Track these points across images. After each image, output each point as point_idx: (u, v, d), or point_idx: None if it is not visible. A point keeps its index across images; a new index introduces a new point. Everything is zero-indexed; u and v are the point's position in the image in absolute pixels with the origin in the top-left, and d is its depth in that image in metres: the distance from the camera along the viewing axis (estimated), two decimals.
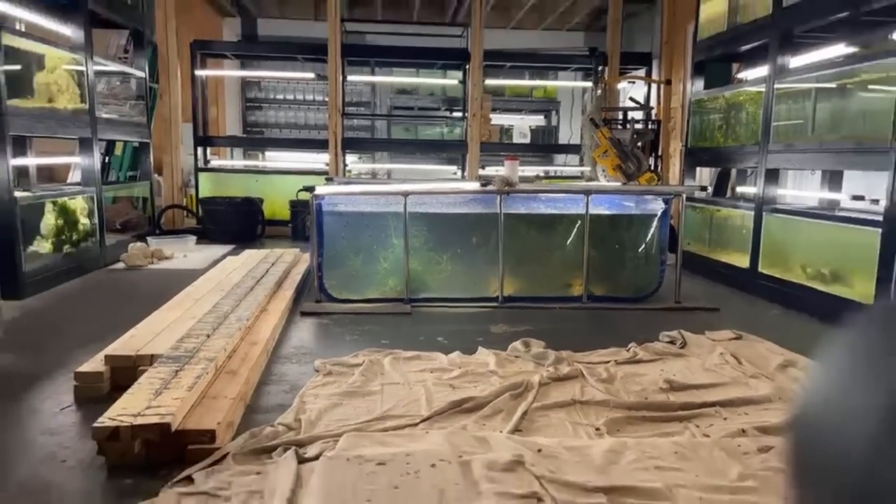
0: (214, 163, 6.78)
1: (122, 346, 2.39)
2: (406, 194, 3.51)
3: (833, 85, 3.59)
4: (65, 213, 4.08)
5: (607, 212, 3.78)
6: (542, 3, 7.32)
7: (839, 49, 3.88)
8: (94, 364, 2.24)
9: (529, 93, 8.39)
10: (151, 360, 2.24)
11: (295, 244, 6.04)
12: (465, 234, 3.67)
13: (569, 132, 8.53)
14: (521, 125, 7.07)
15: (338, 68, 6.27)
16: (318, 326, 3.16)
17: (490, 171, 6.75)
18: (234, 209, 5.92)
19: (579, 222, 3.64)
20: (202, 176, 6.38)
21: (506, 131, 8.17)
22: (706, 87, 4.94)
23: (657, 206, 3.75)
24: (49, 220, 3.96)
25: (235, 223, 5.90)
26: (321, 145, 6.51)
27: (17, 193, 3.52)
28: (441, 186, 4.00)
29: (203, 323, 2.65)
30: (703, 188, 4.05)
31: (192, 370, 2.07)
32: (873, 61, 3.26)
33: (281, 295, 3.46)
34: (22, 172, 4.58)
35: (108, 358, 2.24)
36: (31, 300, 3.51)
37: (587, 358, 2.65)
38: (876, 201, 3.58)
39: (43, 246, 3.88)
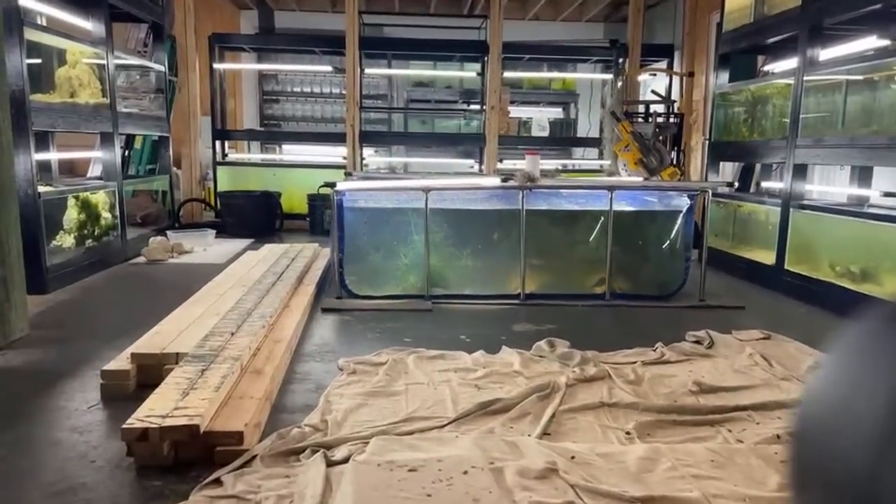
0: (232, 156, 6.79)
1: (148, 343, 2.39)
2: (427, 190, 3.48)
3: (864, 78, 3.50)
4: (87, 207, 4.09)
5: (631, 208, 3.72)
6: (559, 4, 7.23)
7: (871, 42, 3.78)
8: (121, 362, 2.24)
9: (548, 85, 8.31)
10: (177, 358, 2.24)
11: (313, 238, 6.04)
12: (486, 230, 3.64)
13: (587, 125, 8.44)
14: (540, 118, 7.00)
15: (355, 61, 6.24)
16: (339, 323, 3.15)
17: (508, 164, 6.71)
18: (252, 203, 5.92)
19: (602, 218, 3.59)
20: (220, 170, 6.38)
21: (524, 124, 8.11)
22: (731, 79, 4.84)
23: (682, 203, 3.69)
24: (72, 215, 3.97)
25: (254, 217, 5.90)
26: (339, 139, 6.48)
27: (41, 188, 3.53)
28: (461, 182, 3.96)
29: (227, 320, 2.65)
30: (730, 184, 3.97)
31: (218, 370, 2.06)
32: None
33: (302, 290, 3.45)
34: (44, 166, 4.61)
35: (133, 356, 2.24)
36: (55, 294, 3.53)
37: (613, 358, 2.61)
38: None
39: (66, 240, 3.90)
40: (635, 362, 2.56)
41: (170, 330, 2.54)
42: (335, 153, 6.81)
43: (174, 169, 6.03)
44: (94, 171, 5.27)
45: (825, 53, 3.95)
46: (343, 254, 3.54)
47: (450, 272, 3.62)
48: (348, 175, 5.12)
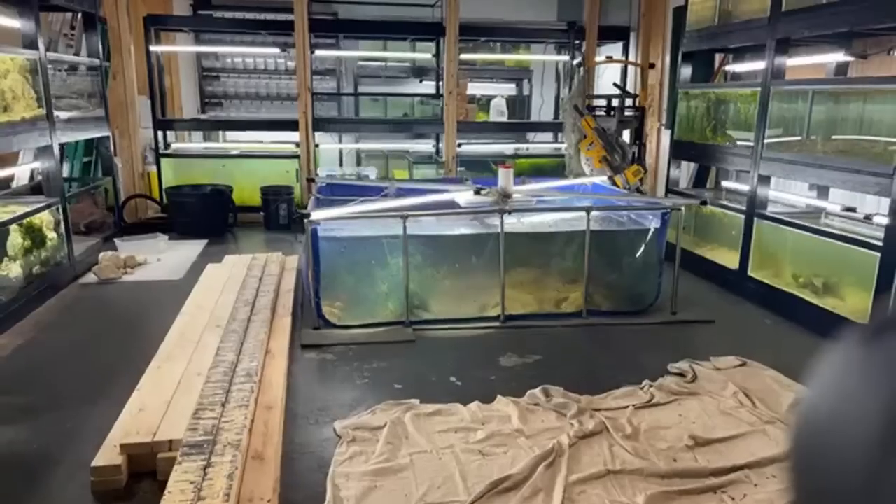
0: (176, 146, 6.40)
1: (135, 424, 2.26)
2: (405, 216, 3.38)
3: (831, 99, 3.59)
4: (31, 231, 3.79)
5: (606, 228, 3.74)
6: None
7: (837, 56, 3.85)
8: (110, 455, 2.11)
9: (502, 62, 8.15)
10: (170, 445, 2.14)
11: (269, 234, 5.86)
12: (464, 253, 3.59)
13: (540, 100, 8.38)
14: (499, 103, 6.87)
15: (306, 46, 5.92)
16: (322, 365, 3.07)
17: (466, 147, 6.61)
18: (203, 202, 5.64)
19: (578, 238, 3.60)
20: (164, 162, 6.01)
21: (478, 101, 7.96)
22: (693, 79, 4.87)
23: (655, 220, 3.73)
24: (15, 241, 3.67)
25: (205, 216, 5.62)
26: (291, 126, 6.19)
27: None
28: (437, 199, 3.86)
29: (212, 384, 2.53)
30: (704, 202, 4.04)
31: (221, 465, 1.97)
32: (874, 85, 3.25)
33: (279, 326, 3.33)
34: None
35: (123, 447, 2.12)
36: (8, 338, 3.28)
37: (605, 403, 2.66)
38: (869, 217, 3.65)
39: (12, 269, 3.61)
40: (627, 407, 2.63)
41: (154, 404, 2.40)
42: (286, 137, 6.52)
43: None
44: (20, 178, 4.84)
45: (792, 62, 4.01)
46: (319, 284, 3.42)
47: (429, 297, 3.58)
48: (311, 181, 4.92)
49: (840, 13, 3.37)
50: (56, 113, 4.12)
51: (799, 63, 4.16)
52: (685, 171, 5.28)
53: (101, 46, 5.17)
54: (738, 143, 4.22)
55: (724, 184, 4.82)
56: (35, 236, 3.82)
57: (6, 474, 2.16)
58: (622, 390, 2.79)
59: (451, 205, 3.93)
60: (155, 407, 2.38)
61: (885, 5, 3.07)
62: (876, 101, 3.36)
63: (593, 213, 3.57)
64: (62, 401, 2.65)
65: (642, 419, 2.54)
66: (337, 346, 3.26)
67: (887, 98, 3.29)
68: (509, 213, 3.53)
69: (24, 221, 3.70)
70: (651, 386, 2.82)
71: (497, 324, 3.57)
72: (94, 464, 2.07)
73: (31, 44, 3.89)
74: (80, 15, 5.05)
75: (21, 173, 4.80)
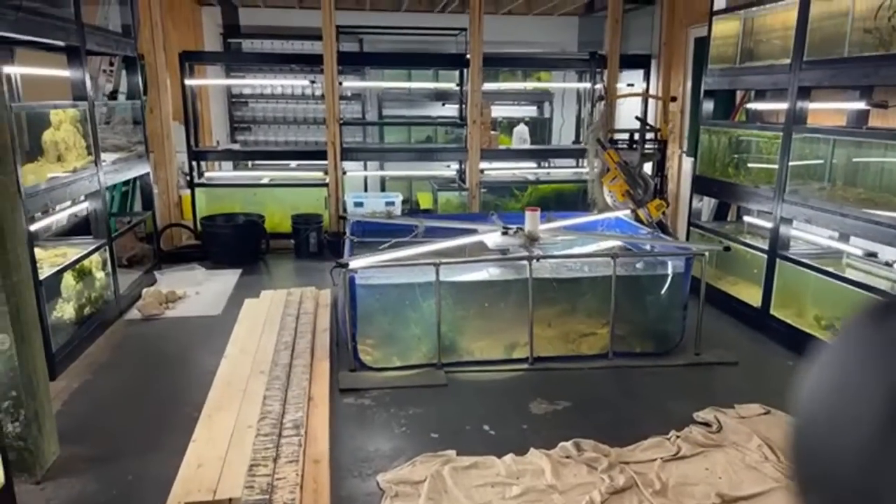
0: (210, 174, 6.61)
1: (195, 480, 2.42)
2: (438, 264, 3.52)
3: (852, 146, 3.68)
4: (83, 273, 3.99)
5: (631, 272, 3.86)
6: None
7: (858, 104, 3.93)
8: None
9: (524, 88, 8.28)
10: (231, 503, 2.30)
11: (299, 261, 6.04)
12: (493, 297, 3.73)
13: (562, 121, 8.50)
14: (521, 130, 7.00)
15: (334, 79, 6.10)
16: (361, 412, 3.23)
17: (489, 173, 6.75)
18: (237, 233, 5.84)
19: (604, 282, 3.72)
20: (198, 191, 6.22)
21: (499, 124, 8.09)
22: (715, 115, 4.97)
23: (679, 264, 3.84)
24: (68, 283, 3.88)
25: (239, 245, 5.82)
26: (319, 156, 6.37)
27: (42, 274, 3.43)
28: (465, 241, 4.01)
29: (262, 437, 2.70)
30: (727, 248, 4.14)
31: None
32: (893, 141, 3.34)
33: (319, 369, 3.49)
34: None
35: None
36: (64, 380, 3.48)
37: (634, 456, 2.79)
38: (889, 264, 3.73)
39: (65, 311, 3.81)
40: (655, 460, 2.75)
41: (210, 457, 2.57)
42: (317, 165, 6.70)
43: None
44: (59, 220, 5.01)
45: (813, 105, 4.10)
46: (356, 328, 3.59)
47: (460, 339, 3.72)
48: (342, 218, 5.09)
49: (862, 66, 3.46)
50: (102, 157, 4.32)
51: (819, 107, 4.24)
52: (707, 203, 5.37)
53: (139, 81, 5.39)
54: (762, 184, 4.31)
55: (746, 219, 4.91)
56: (86, 277, 4.03)
57: None
58: (650, 441, 2.91)
59: (480, 247, 4.08)
60: (211, 461, 2.55)
61: None
62: None
63: (619, 259, 3.70)
64: (121, 450, 2.84)
65: (670, 473, 2.67)
66: (374, 391, 3.42)
67: None
68: (537, 259, 3.66)
69: (77, 266, 3.90)
70: (678, 437, 2.94)
71: (526, 366, 3.71)
72: None
73: (80, 94, 4.09)
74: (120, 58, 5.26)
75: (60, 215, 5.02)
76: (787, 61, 3.97)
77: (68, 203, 4.21)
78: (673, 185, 6.39)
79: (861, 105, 3.80)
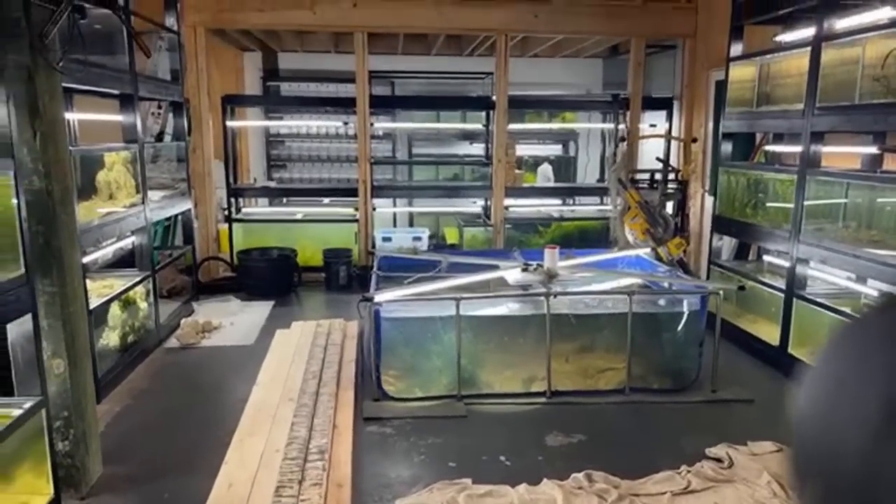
0: (247, 210, 6.94)
1: (227, 499, 2.60)
2: (458, 299, 3.69)
3: (866, 189, 3.77)
4: (127, 303, 4.26)
5: (647, 309, 3.97)
6: (559, 43, 7.39)
7: (870, 148, 4.03)
8: None
9: (548, 129, 8.52)
10: None
11: (329, 294, 6.27)
12: (512, 332, 3.87)
13: (586, 159, 8.68)
14: (546, 169, 7.21)
15: (366, 121, 6.40)
16: (383, 440, 3.38)
17: (514, 210, 6.93)
18: (271, 266, 6.11)
19: (621, 318, 3.83)
20: (235, 226, 6.53)
21: (525, 162, 8.31)
22: (733, 156, 5.09)
23: (695, 301, 3.94)
24: (115, 312, 4.14)
25: (272, 278, 6.09)
26: (351, 193, 6.65)
27: (91, 304, 3.69)
28: (486, 277, 4.18)
29: (289, 460, 2.88)
30: (742, 287, 4.23)
31: None
32: None
33: (344, 398, 3.66)
34: None
35: None
36: (108, 405, 3.71)
37: (645, 489, 2.88)
38: None
39: (111, 339, 4.07)
40: (665, 493, 2.83)
41: (241, 479, 2.75)
42: (348, 202, 6.97)
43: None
44: (106, 253, 5.34)
45: (827, 149, 4.20)
46: (380, 359, 3.76)
47: (479, 372, 3.86)
48: (371, 253, 5.31)
49: (872, 113, 3.57)
50: (149, 194, 4.64)
51: (834, 150, 4.33)
52: (728, 242, 5.45)
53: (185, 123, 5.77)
54: (779, 226, 4.40)
55: (766, 258, 4.98)
56: (130, 307, 4.30)
57: None
58: (661, 475, 2.99)
59: (501, 282, 4.25)
60: (242, 482, 2.73)
61: None
62: None
63: (636, 296, 3.82)
64: (159, 470, 3.03)
65: None
66: (395, 420, 3.57)
67: None
68: (554, 296, 3.81)
69: (123, 296, 4.18)
70: (689, 471, 3.02)
71: (543, 399, 3.82)
72: None
73: (131, 137, 4.42)
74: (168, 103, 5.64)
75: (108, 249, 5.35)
76: (801, 106, 4.10)
77: (114, 238, 4.51)
78: (696, 223, 6.48)
79: (873, 150, 3.89)
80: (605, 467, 3.02)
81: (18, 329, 2.41)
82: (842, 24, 3.97)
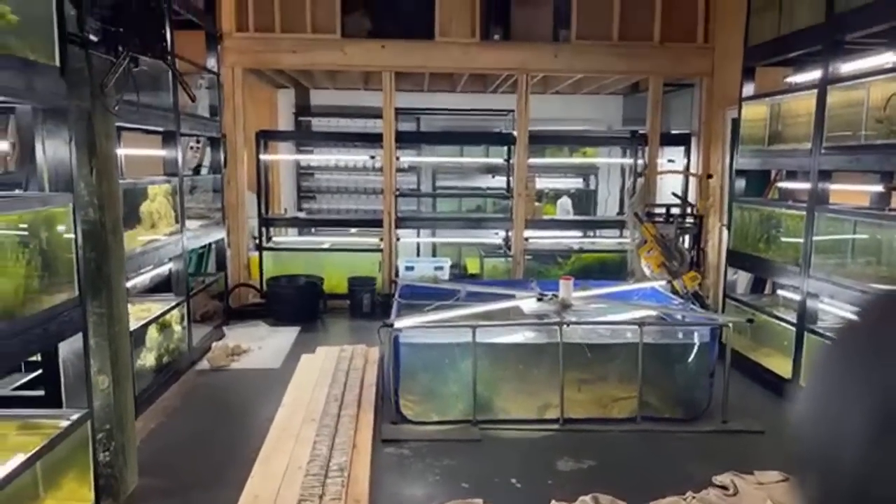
0: (277, 239, 7.24)
1: None
2: (475, 327, 3.87)
3: (874, 226, 3.88)
4: (163, 326, 4.53)
5: (659, 340, 4.09)
6: (580, 81, 7.63)
7: (877, 187, 4.14)
8: None
9: (568, 163, 8.74)
10: None
11: (353, 322, 6.48)
12: (526, 360, 4.02)
13: (607, 193, 8.84)
14: (565, 202, 7.41)
15: (392, 155, 6.69)
16: (400, 461, 3.54)
17: (534, 241, 7.10)
18: (298, 293, 6.37)
19: (632, 349, 3.96)
20: (266, 254, 6.82)
21: (546, 194, 8.50)
22: (747, 192, 5.22)
23: (705, 333, 4.06)
24: (152, 335, 4.40)
25: (299, 305, 6.34)
26: (376, 224, 6.91)
27: (131, 326, 3.96)
28: (503, 306, 4.35)
29: (310, 476, 3.06)
30: (750, 320, 4.34)
31: None
32: None
33: (364, 420, 3.84)
34: None
35: None
36: (142, 422, 3.94)
37: None
38: None
39: (147, 359, 4.33)
40: None
41: (265, 493, 2.94)
42: (372, 232, 7.22)
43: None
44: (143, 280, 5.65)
45: (835, 186, 4.32)
46: (399, 383, 3.94)
47: (494, 398, 4.01)
48: (394, 283, 5.53)
49: (875, 153, 3.71)
50: (186, 224, 4.94)
51: (844, 188, 4.45)
52: (743, 276, 5.54)
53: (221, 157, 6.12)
54: (789, 260, 4.51)
55: (780, 292, 5.06)
56: (166, 330, 4.56)
57: None
58: (666, 500, 3.09)
59: (517, 311, 4.41)
60: (266, 496, 2.91)
61: None
62: None
63: (646, 326, 3.95)
64: (189, 484, 3.23)
65: None
66: (413, 442, 3.72)
67: None
68: (567, 325, 3.96)
69: (161, 320, 4.44)
70: (694, 497, 3.11)
71: (556, 426, 3.94)
72: None
73: (172, 170, 4.74)
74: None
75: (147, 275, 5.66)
76: (809, 146, 4.24)
77: (154, 264, 4.81)
78: (714, 257, 6.58)
79: (877, 188, 4.00)
80: (613, 492, 3.13)
81: (70, 346, 2.66)
82: (847, 67, 4.12)
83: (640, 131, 6.97)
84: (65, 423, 2.65)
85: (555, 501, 3.06)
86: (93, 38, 2.56)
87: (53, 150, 2.56)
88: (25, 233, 2.37)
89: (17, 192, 2.99)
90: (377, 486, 3.23)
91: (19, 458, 2.39)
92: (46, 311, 2.43)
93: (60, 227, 2.58)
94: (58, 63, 2.51)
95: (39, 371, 3.42)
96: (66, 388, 2.74)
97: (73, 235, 2.63)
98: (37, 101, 2.45)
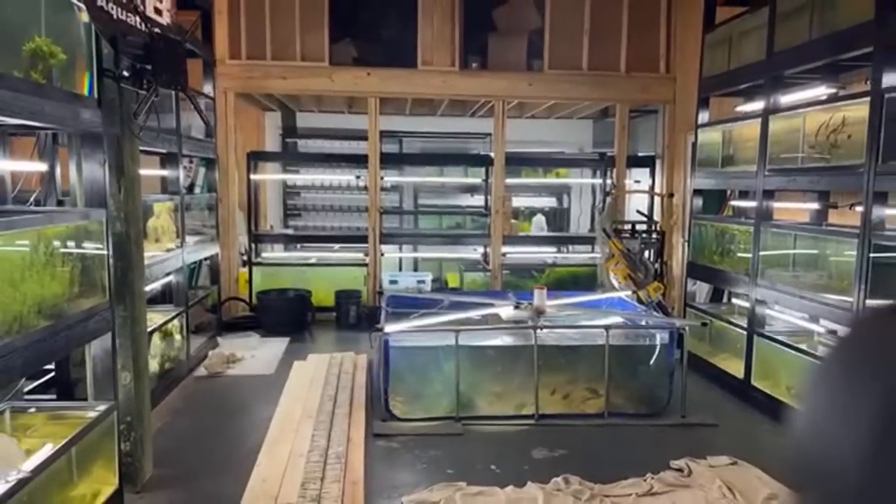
0: (266, 255, 7.57)
1: (261, 490, 3.12)
2: (458, 331, 4.26)
3: (811, 239, 4.38)
4: (166, 334, 4.83)
5: (622, 342, 4.52)
6: (553, 106, 8.14)
7: (814, 205, 4.65)
8: None
9: (542, 184, 9.23)
10: None
11: (340, 333, 6.81)
12: (504, 361, 4.41)
13: (579, 211, 9.34)
14: (539, 220, 7.89)
15: (377, 175, 7.09)
16: (391, 452, 3.89)
17: (511, 257, 7.53)
18: (288, 305, 6.69)
19: (599, 350, 4.38)
20: (255, 269, 7.15)
21: (521, 212, 8.97)
22: (704, 210, 5.73)
23: (665, 336, 4.50)
24: (156, 342, 4.70)
25: (288, 316, 6.66)
26: (361, 240, 7.29)
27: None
28: (483, 313, 4.75)
29: (312, 463, 3.40)
30: (704, 324, 4.80)
31: None
32: (833, 236, 4.04)
33: (356, 417, 4.19)
34: None
35: None
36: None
37: (614, 491, 3.38)
38: None
39: (151, 365, 4.61)
40: (631, 495, 3.33)
41: (272, 477, 3.27)
42: (357, 248, 7.59)
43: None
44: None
45: (779, 204, 4.83)
46: (388, 383, 4.30)
47: (475, 397, 4.38)
48: (380, 294, 5.90)
49: (808, 174, 4.21)
50: (190, 242, 5.27)
51: (788, 206, 4.96)
52: (702, 287, 6.02)
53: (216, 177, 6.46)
54: (738, 269, 5.00)
55: (735, 301, 5.54)
56: (167, 338, 4.87)
57: None
58: (629, 481, 3.49)
59: (495, 318, 4.82)
60: (273, 478, 3.25)
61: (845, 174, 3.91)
62: (842, 245, 4.12)
63: (612, 329, 4.38)
64: (199, 472, 3.55)
65: None
66: (401, 436, 4.08)
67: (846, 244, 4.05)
68: (541, 328, 4.37)
69: (163, 329, 4.75)
70: (653, 478, 3.52)
71: (532, 421, 4.33)
72: None
73: (174, 189, 5.08)
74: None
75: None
76: (755, 168, 4.75)
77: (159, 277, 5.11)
78: (677, 269, 7.07)
79: (815, 205, 4.51)
80: (582, 476, 3.52)
81: (100, 344, 2.98)
82: (786, 98, 4.65)
83: (609, 153, 7.49)
84: (93, 414, 2.97)
85: (530, 483, 3.44)
86: (125, 73, 2.93)
87: (90, 170, 2.92)
88: (70, 242, 2.71)
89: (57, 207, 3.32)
90: (371, 473, 3.58)
91: (51, 446, 2.70)
92: (85, 312, 2.76)
93: (95, 239, 2.92)
94: (95, 95, 2.88)
95: (46, 377, 3.70)
96: (94, 382, 3.06)
97: (104, 246, 2.97)
98: (79, 128, 2.80)
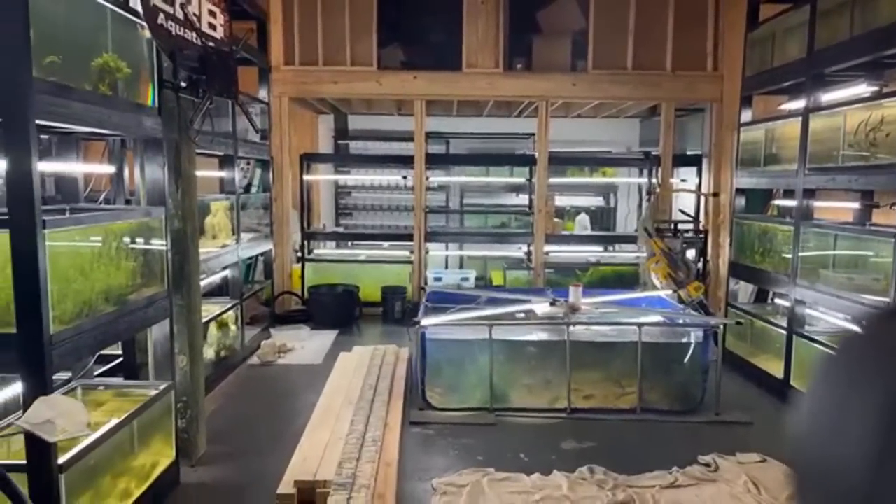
0: (317, 251, 7.92)
1: (302, 468, 3.36)
2: (491, 325, 4.42)
3: (852, 240, 4.33)
4: (222, 325, 5.19)
5: (657, 340, 4.58)
6: (599, 105, 8.17)
7: (854, 204, 4.58)
8: (288, 487, 3.22)
9: (586, 183, 9.26)
10: (325, 483, 3.21)
11: (386, 327, 7.07)
12: (538, 355, 4.54)
13: (626, 210, 9.32)
14: (583, 219, 7.93)
15: (422, 174, 7.31)
16: (425, 438, 4.09)
17: (554, 255, 7.62)
18: (337, 300, 7.01)
19: (632, 347, 4.45)
20: (308, 265, 7.50)
21: (566, 211, 9.03)
22: (747, 209, 5.68)
23: (700, 334, 4.53)
24: (212, 332, 5.07)
25: (337, 310, 6.97)
26: (407, 238, 7.53)
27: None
28: (518, 309, 4.90)
29: (349, 445, 3.62)
30: (739, 322, 4.79)
31: (357, 499, 3.02)
32: (874, 236, 3.99)
33: (394, 405, 4.41)
34: None
35: (296, 482, 3.22)
36: (206, 402, 4.57)
37: (638, 482, 3.47)
38: None
39: (208, 353, 4.98)
40: (654, 486, 3.42)
41: (312, 456, 3.52)
42: (404, 246, 7.85)
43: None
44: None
45: (819, 203, 4.77)
46: (425, 374, 4.50)
47: (509, 389, 4.53)
48: (422, 289, 6.11)
49: (848, 173, 4.17)
50: (241, 235, 5.62)
51: (832, 206, 4.89)
52: (745, 286, 5.97)
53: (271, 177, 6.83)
54: (778, 269, 4.96)
55: (777, 301, 5.49)
56: (223, 328, 5.22)
57: (224, 497, 3.32)
58: (654, 473, 3.57)
59: (529, 314, 4.95)
60: (313, 458, 3.49)
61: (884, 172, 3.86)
62: (881, 245, 4.06)
63: (645, 327, 4.45)
64: (248, 451, 3.84)
65: (664, 497, 3.33)
66: (436, 424, 4.28)
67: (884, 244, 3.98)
68: (574, 325, 4.48)
69: (220, 319, 5.11)
70: (679, 471, 3.59)
71: (564, 415, 4.44)
72: (278, 491, 3.18)
73: (230, 189, 5.44)
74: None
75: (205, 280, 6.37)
76: (796, 167, 4.71)
77: (216, 271, 5.49)
78: (724, 270, 7.00)
79: (856, 205, 4.44)
80: (608, 467, 3.62)
81: (160, 329, 3.30)
82: (827, 97, 4.59)
83: (654, 152, 7.47)
84: (153, 392, 3.28)
85: (556, 471, 3.57)
86: (182, 84, 3.23)
87: (151, 172, 3.23)
88: (134, 237, 3.02)
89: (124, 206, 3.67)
90: (405, 457, 3.79)
91: (116, 420, 3.02)
92: (147, 299, 3.08)
93: (156, 234, 3.23)
94: (156, 104, 3.19)
95: (115, 362, 4.07)
96: (154, 364, 3.38)
97: (164, 240, 3.28)
98: (143, 134, 3.12)
